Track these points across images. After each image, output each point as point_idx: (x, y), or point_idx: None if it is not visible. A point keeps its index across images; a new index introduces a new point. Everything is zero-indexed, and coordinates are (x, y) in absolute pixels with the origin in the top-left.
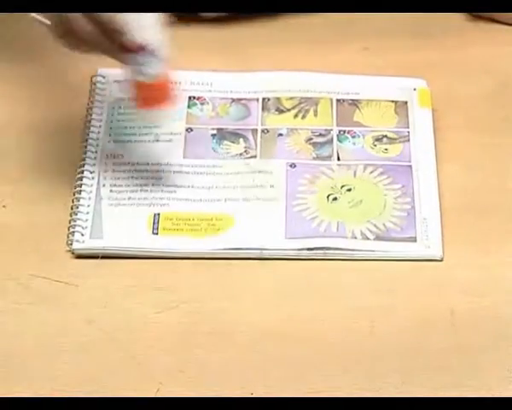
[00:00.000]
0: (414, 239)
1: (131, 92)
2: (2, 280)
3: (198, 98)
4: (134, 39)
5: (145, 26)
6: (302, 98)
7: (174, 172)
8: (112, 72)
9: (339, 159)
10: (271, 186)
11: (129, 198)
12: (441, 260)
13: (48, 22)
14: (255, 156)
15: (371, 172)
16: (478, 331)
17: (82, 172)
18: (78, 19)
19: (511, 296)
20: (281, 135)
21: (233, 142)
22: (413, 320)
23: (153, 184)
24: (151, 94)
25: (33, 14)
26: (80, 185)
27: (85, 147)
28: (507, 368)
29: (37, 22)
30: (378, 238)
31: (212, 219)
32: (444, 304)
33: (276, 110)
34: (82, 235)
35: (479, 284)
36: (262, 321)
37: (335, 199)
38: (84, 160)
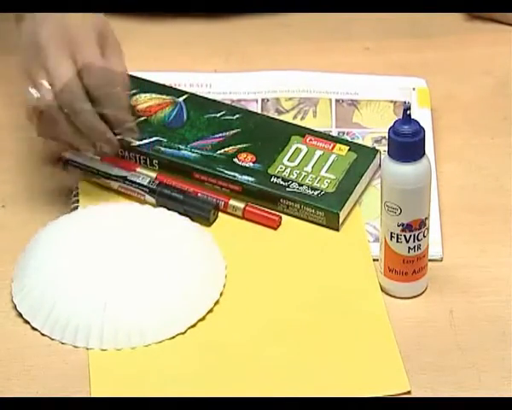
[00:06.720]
0: None
1: None
2: (1, 280)
3: None
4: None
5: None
6: (301, 99)
7: None
8: None
9: None
10: None
11: None
12: (441, 260)
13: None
14: None
15: None
16: (478, 331)
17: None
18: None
19: (511, 296)
20: None
21: None
22: (413, 320)
23: None
24: None
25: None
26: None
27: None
28: (507, 368)
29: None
30: (377, 240)
31: None
32: (444, 304)
33: (276, 111)
34: None
35: (478, 284)
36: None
37: None
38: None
